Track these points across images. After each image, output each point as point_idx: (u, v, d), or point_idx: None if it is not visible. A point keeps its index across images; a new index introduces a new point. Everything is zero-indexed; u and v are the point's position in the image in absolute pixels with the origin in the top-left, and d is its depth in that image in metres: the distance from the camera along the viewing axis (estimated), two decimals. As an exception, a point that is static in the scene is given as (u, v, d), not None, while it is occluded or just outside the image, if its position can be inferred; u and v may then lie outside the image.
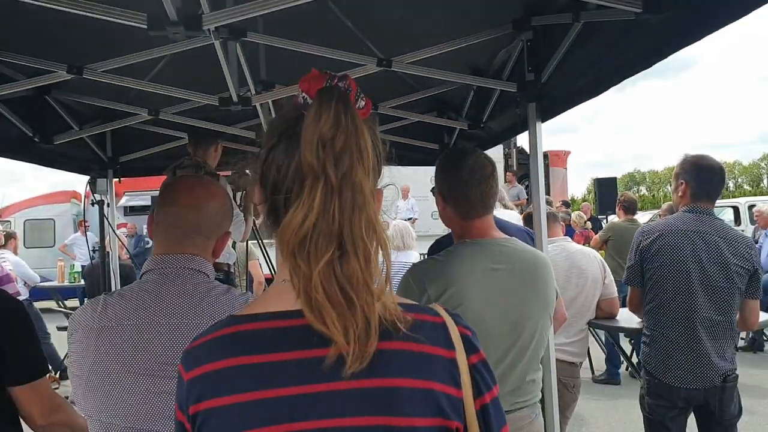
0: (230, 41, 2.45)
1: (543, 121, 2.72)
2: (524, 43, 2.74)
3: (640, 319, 4.12)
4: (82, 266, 11.16)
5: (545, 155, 14.80)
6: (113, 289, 4.91)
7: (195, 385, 0.97)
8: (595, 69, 2.31)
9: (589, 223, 11.40)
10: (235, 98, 2.78)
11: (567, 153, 14.87)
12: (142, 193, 13.87)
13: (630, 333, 4.79)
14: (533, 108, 2.74)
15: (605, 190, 10.19)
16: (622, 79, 2.13)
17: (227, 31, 2.34)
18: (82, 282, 10.02)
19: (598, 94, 2.32)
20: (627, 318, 4.36)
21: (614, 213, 10.01)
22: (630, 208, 8.20)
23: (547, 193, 8.51)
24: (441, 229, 14.02)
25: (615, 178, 11.55)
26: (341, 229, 0.92)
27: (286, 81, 3.36)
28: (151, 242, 11.42)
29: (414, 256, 6.61)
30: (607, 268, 4.32)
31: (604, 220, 11.93)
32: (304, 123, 0.94)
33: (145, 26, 1.93)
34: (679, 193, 3.49)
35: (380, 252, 0.95)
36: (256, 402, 0.92)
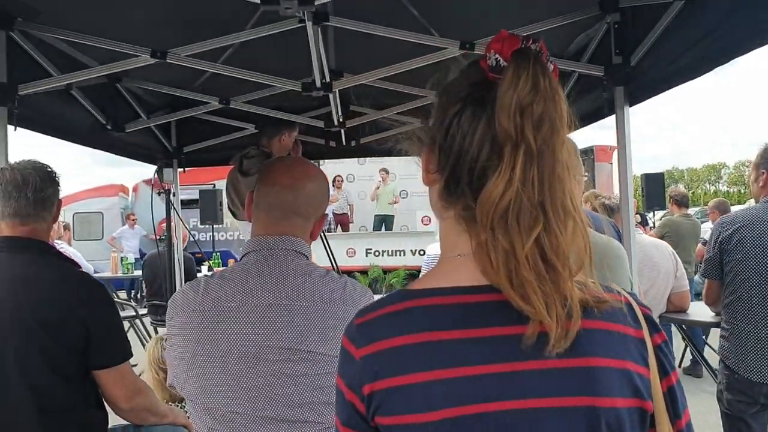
0: (313, 25, 2.40)
1: (631, 106, 2.62)
2: (610, 25, 2.63)
3: (713, 313, 3.98)
4: (135, 258, 11.33)
5: (591, 150, 14.55)
6: (176, 279, 4.92)
7: (371, 362, 0.91)
8: (696, 50, 2.21)
9: (638, 217, 11.20)
10: (318, 83, 2.73)
11: (613, 148, 14.68)
12: (189, 187, 14.02)
13: (701, 327, 4.66)
14: (621, 92, 2.64)
15: (652, 186, 9.97)
16: (728, 60, 2.03)
17: (311, 15, 2.29)
18: (136, 273, 10.16)
19: (697, 76, 2.22)
20: (698, 312, 4.23)
21: (661, 209, 9.78)
22: (682, 202, 8.00)
23: (593, 188, 8.36)
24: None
25: (662, 174, 11.31)
26: (543, 200, 0.87)
27: (353, 70, 3.31)
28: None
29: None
30: (679, 261, 4.20)
31: (650, 216, 11.69)
32: (500, 87, 0.89)
33: (258, 1, 1.92)
34: (760, 183, 3.36)
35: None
36: (444, 381, 0.87)
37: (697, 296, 5.61)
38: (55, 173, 2.33)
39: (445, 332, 0.89)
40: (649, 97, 2.55)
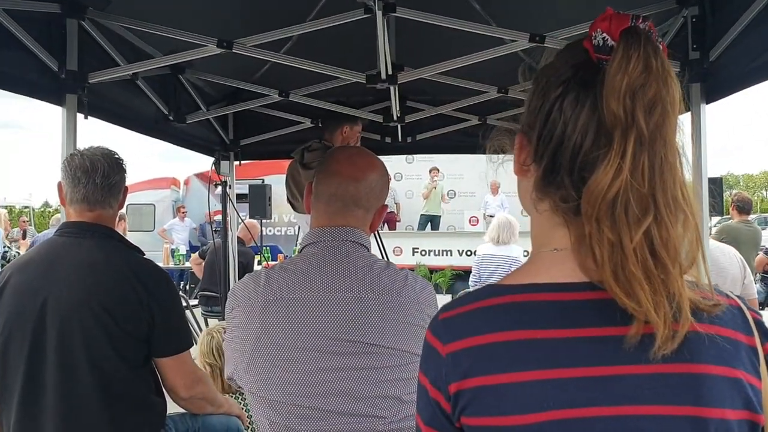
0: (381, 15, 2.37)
1: (708, 103, 2.52)
2: (687, 18, 2.54)
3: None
4: (187, 249, 11.52)
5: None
6: (232, 273, 4.97)
7: (460, 359, 0.86)
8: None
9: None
10: (384, 75, 2.70)
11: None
12: (238, 181, 14.24)
13: None
14: (698, 89, 2.54)
15: (712, 190, 9.71)
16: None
17: (381, 4, 2.26)
18: (186, 264, 10.34)
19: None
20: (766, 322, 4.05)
21: (718, 214, 9.48)
22: (744, 208, 7.71)
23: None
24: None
25: (721, 178, 11.00)
26: (653, 191, 0.82)
27: (412, 64, 3.28)
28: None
29: (517, 251, 6.46)
30: (748, 267, 4.04)
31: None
32: (609, 68, 0.84)
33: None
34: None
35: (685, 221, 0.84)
36: (539, 383, 0.82)
37: (760, 306, 5.41)
38: (122, 160, 2.35)
39: (540, 331, 0.84)
40: (727, 94, 2.45)
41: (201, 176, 16.41)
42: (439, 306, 1.71)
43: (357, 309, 1.57)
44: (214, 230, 5.63)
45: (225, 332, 1.77)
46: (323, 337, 1.56)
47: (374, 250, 5.02)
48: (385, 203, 1.79)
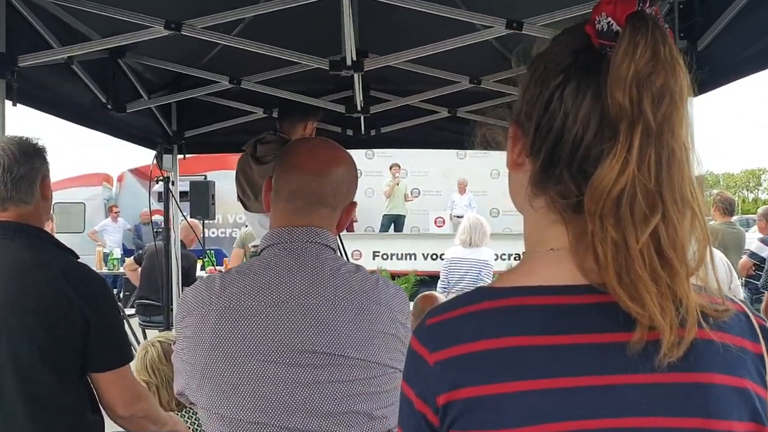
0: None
1: (696, 95, 2.58)
2: (674, 5, 2.60)
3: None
4: (122, 253, 11.32)
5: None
6: (175, 279, 4.91)
7: (448, 368, 0.87)
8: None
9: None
10: (349, 62, 2.70)
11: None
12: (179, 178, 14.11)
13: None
14: (685, 80, 2.59)
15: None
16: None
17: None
18: (120, 270, 10.16)
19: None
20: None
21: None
22: (728, 209, 7.93)
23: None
24: (501, 228, 13.83)
25: (701, 177, 11.32)
26: (660, 187, 0.84)
27: (378, 51, 3.29)
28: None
29: (488, 254, 6.54)
30: (734, 271, 4.16)
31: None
32: (614, 55, 0.85)
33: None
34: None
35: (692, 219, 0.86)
36: (536, 393, 0.83)
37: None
38: (32, 147, 2.25)
39: (536, 337, 0.85)
40: (717, 86, 2.52)
41: (136, 172, 16.16)
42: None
43: (323, 317, 1.57)
44: (155, 231, 5.55)
45: (174, 343, 1.75)
46: (286, 348, 1.55)
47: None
48: (354, 200, 1.79)
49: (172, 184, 4.63)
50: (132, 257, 8.53)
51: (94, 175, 17.31)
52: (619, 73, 0.84)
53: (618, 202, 0.83)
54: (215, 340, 1.57)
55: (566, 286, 0.88)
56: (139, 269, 7.62)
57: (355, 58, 2.91)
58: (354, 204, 1.79)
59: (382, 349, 1.61)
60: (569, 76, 0.89)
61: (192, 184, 10.10)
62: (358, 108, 3.81)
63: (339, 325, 1.58)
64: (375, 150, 14.40)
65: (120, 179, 16.84)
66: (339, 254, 1.73)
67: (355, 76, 3.12)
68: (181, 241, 6.72)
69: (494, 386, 0.84)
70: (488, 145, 1.03)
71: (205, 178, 12.34)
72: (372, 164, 15.09)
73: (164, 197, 4.59)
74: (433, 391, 0.88)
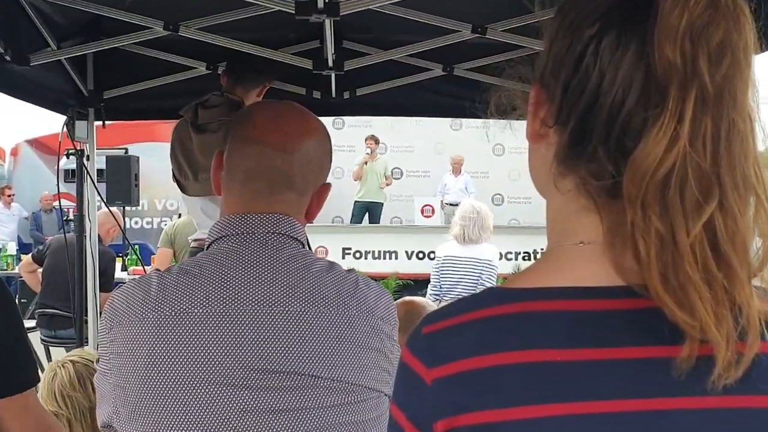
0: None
1: (763, 52, 2.62)
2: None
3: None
4: (17, 248, 11.21)
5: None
6: (90, 282, 4.89)
7: (451, 387, 0.89)
8: None
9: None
10: (320, 3, 2.70)
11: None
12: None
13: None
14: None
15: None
16: None
17: None
18: (15, 270, 10.08)
19: None
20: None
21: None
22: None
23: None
24: (506, 219, 13.99)
25: None
26: (718, 167, 0.85)
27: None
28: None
29: (490, 252, 6.58)
30: None
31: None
32: (663, 1, 0.86)
33: None
34: None
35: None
36: (561, 420, 0.85)
37: None
38: None
39: (562, 351, 0.87)
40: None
41: (35, 143, 16.02)
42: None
43: (291, 328, 1.59)
44: (65, 220, 5.52)
45: (97, 362, 1.76)
46: (244, 367, 1.57)
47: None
48: (328, 181, 1.81)
49: (88, 160, 4.60)
50: (30, 254, 8.43)
51: (-21, 147, 17.15)
52: (670, 22, 0.85)
53: (665, 186, 0.84)
54: (153, 357, 1.58)
55: (599, 287, 0.90)
56: (40, 270, 7.55)
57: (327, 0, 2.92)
58: (327, 186, 1.81)
59: (365, 369, 1.63)
60: (607, 26, 0.90)
61: (109, 160, 10.01)
62: (329, 63, 3.81)
63: (310, 339, 1.59)
64: (347, 118, 14.41)
65: (14, 153, 16.66)
66: (308, 249, 1.76)
67: (327, 22, 3.12)
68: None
69: (511, 411, 0.85)
70: (505, 112, 1.05)
71: (126, 153, 12.29)
72: (342, 136, 15.07)
73: (77, 176, 4.55)
74: (430, 416, 0.89)
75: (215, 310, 1.60)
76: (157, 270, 1.73)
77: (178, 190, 3.92)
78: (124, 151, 13.00)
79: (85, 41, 4.08)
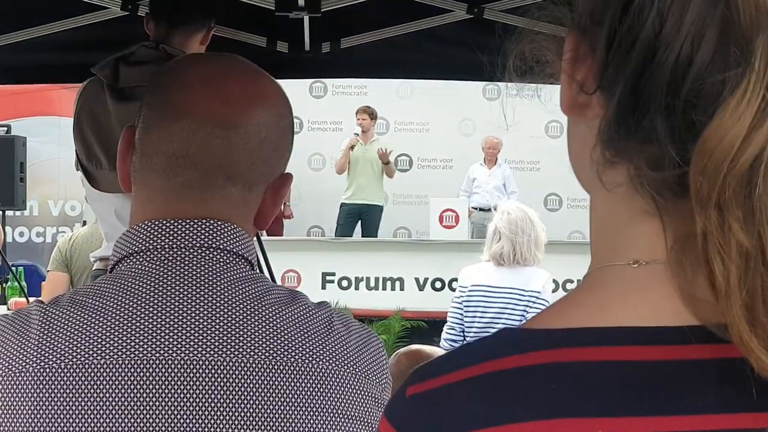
0: None
1: None
2: None
3: None
4: None
5: None
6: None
7: None
8: None
9: None
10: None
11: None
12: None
13: None
14: None
15: None
16: None
17: None
18: None
19: None
20: None
21: None
22: None
23: None
24: (566, 232, 14.04)
25: None
26: None
27: None
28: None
29: (538, 279, 6.57)
30: None
31: None
32: None
33: None
34: None
35: None
36: None
37: None
38: None
39: (611, 419, 0.89)
40: None
41: None
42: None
43: (232, 388, 1.62)
44: None
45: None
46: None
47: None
48: (288, 172, 1.82)
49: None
50: None
51: None
52: None
53: (749, 180, 0.86)
54: (33, 427, 1.61)
55: (662, 329, 0.91)
56: None
57: None
58: (287, 178, 1.83)
59: None
60: None
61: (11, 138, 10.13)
62: (300, 2, 3.85)
63: (262, 404, 1.62)
64: (329, 81, 14.45)
65: None
66: (257, 270, 1.78)
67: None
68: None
69: None
70: (528, 69, 1.06)
71: (8, 131, 12.33)
72: (323, 108, 15.19)
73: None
74: None
75: (123, 361, 1.61)
76: (40, 302, 1.73)
77: (83, 183, 3.92)
78: (5, 129, 13.06)
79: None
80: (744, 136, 0.85)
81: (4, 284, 9.58)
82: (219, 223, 1.71)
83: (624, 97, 0.93)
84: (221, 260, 1.70)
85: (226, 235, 1.71)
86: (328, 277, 12.76)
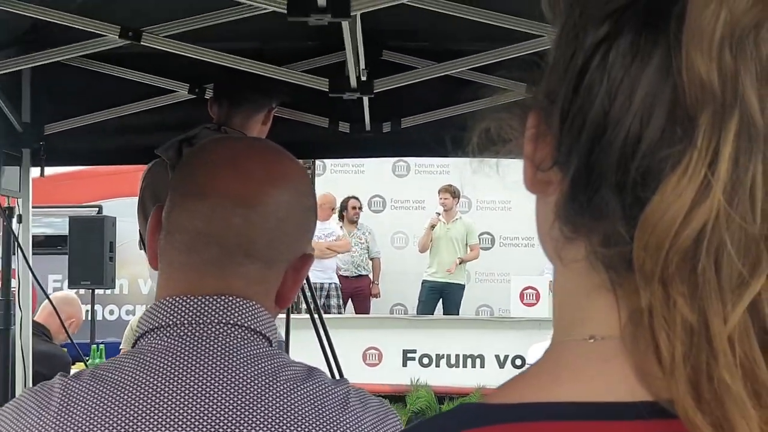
0: None
1: None
2: None
3: None
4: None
5: None
6: (15, 387, 4.92)
7: None
8: None
9: None
10: (322, 1, 2.74)
11: None
12: (45, 210, 14.19)
13: None
14: None
15: None
16: None
17: None
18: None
19: None
20: None
21: None
22: None
23: None
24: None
25: None
26: (766, 225, 0.86)
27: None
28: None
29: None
30: None
31: None
32: None
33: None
34: None
35: None
36: None
37: None
38: None
39: None
40: None
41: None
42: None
43: None
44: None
45: None
46: None
47: (312, 350, 5.09)
48: (309, 251, 1.82)
49: (20, 222, 4.68)
50: None
51: None
52: (702, 23, 0.86)
53: (693, 255, 0.85)
54: None
55: (615, 404, 0.90)
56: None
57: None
58: (309, 258, 1.83)
59: None
60: (620, 28, 0.91)
61: (74, 223, 10.20)
62: (352, 83, 3.88)
63: None
64: (413, 161, 14.48)
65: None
66: (276, 347, 1.77)
67: (345, 24, 3.17)
68: (41, 326, 6.75)
69: None
70: (491, 147, 1.05)
71: (99, 212, 12.45)
72: (405, 186, 15.18)
73: (2, 244, 4.64)
74: None
75: None
76: (63, 375, 1.75)
77: (148, 263, 3.93)
78: (96, 210, 13.19)
79: (19, 53, 4.19)
80: (686, 213, 0.85)
81: (86, 361, 9.68)
82: (238, 299, 1.72)
83: (577, 175, 0.93)
84: (238, 336, 1.70)
85: (244, 311, 1.72)
86: (409, 355, 12.68)
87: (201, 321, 1.70)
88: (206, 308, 1.71)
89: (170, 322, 1.71)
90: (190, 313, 1.71)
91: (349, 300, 14.79)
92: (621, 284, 0.91)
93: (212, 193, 1.75)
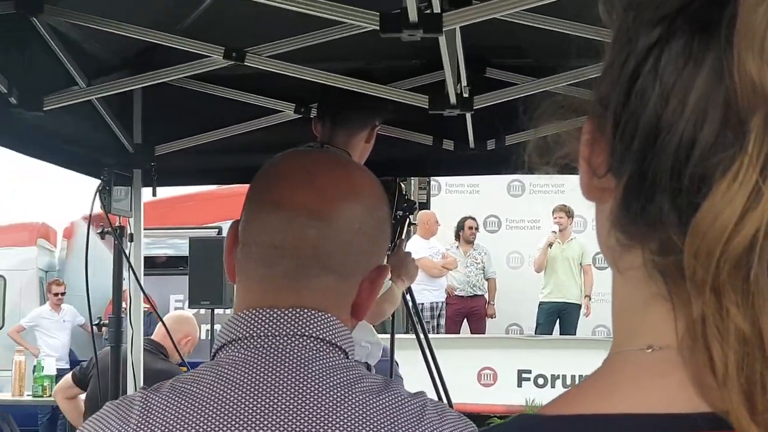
0: None
1: None
2: None
3: None
4: (68, 366, 11.50)
5: None
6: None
7: None
8: None
9: None
10: (414, 16, 2.76)
11: None
12: (163, 233, 14.38)
13: None
14: None
15: None
16: None
17: None
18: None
19: None
20: None
21: None
22: None
23: None
24: None
25: None
26: None
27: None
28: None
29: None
30: None
31: None
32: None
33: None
34: None
35: None
36: None
37: None
38: None
39: None
40: None
41: (97, 221, 16.52)
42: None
43: None
44: (98, 325, 5.70)
45: None
46: None
47: (418, 371, 5.07)
48: (385, 263, 1.83)
49: (131, 241, 4.76)
50: (70, 374, 8.36)
51: (21, 227, 17.74)
52: (752, 25, 0.85)
53: (745, 263, 0.83)
54: None
55: (674, 416, 0.88)
56: (82, 397, 7.72)
57: (438, 9, 2.97)
58: (384, 269, 1.83)
59: None
60: (672, 32, 0.90)
61: (193, 243, 10.36)
62: (451, 100, 3.88)
63: None
64: (527, 180, 14.41)
65: (68, 235, 17.14)
66: (352, 359, 1.77)
67: (441, 40, 3.17)
68: (158, 345, 6.83)
69: None
70: (544, 157, 1.04)
71: (219, 233, 12.62)
72: (520, 206, 15.13)
73: (114, 265, 4.71)
74: None
75: None
76: (144, 389, 1.76)
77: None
78: (216, 231, 13.35)
79: (129, 75, 4.28)
80: (737, 219, 0.83)
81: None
82: (313, 312, 1.72)
83: (630, 181, 0.91)
84: (314, 348, 1.71)
85: (319, 324, 1.72)
86: (523, 375, 12.65)
87: (278, 333, 1.71)
88: (283, 321, 1.72)
89: (248, 335, 1.72)
90: (268, 326, 1.72)
91: (464, 320, 14.82)
92: (677, 293, 0.89)
93: (286, 206, 1.75)
